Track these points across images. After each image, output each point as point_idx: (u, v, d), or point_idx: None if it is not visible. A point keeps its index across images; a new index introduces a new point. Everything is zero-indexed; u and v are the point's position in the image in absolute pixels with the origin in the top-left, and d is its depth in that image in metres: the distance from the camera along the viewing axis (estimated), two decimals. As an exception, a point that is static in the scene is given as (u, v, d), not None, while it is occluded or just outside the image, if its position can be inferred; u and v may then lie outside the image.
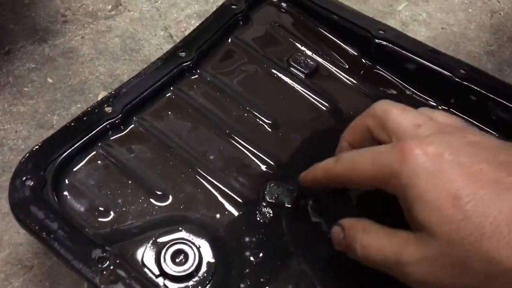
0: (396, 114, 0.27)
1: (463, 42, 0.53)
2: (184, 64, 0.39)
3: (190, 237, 0.31)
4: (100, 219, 0.32)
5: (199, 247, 0.31)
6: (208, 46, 0.41)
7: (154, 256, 0.30)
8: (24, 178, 0.31)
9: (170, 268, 0.30)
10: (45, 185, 0.31)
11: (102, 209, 0.32)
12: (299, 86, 0.40)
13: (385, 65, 0.42)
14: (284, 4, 0.45)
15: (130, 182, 0.34)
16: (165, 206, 0.33)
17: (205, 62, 0.40)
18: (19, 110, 0.44)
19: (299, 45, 0.43)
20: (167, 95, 0.38)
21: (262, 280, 0.30)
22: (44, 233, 0.29)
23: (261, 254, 0.31)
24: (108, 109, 0.35)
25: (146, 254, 0.30)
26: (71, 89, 0.46)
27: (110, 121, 0.35)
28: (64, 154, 0.33)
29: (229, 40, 0.42)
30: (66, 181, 0.33)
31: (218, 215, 0.33)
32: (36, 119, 0.44)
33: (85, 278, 0.28)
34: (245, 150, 0.36)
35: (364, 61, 0.42)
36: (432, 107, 0.40)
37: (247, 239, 0.32)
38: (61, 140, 0.33)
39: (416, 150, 0.24)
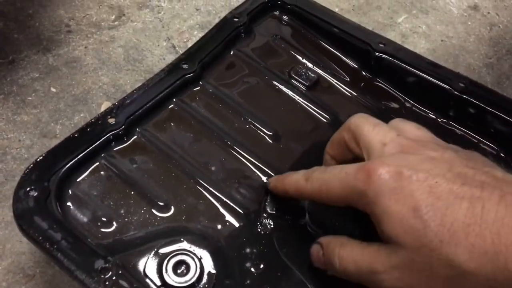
0: (368, 131, 0.30)
1: (462, 54, 0.54)
2: (187, 76, 0.39)
3: (192, 248, 0.31)
4: (102, 230, 0.32)
5: (201, 258, 0.31)
6: (211, 58, 0.41)
7: (156, 267, 0.30)
8: (28, 189, 0.31)
9: (171, 279, 0.30)
10: (49, 196, 0.31)
11: (104, 219, 0.32)
12: (300, 98, 0.41)
13: (385, 78, 0.42)
14: (285, 17, 0.46)
15: (132, 192, 0.34)
16: (167, 217, 0.33)
17: (207, 74, 0.41)
18: (23, 119, 0.45)
19: (300, 58, 0.44)
20: (169, 107, 0.39)
21: (262, 291, 0.31)
22: (47, 244, 0.29)
23: (261, 265, 0.32)
24: (112, 121, 0.36)
25: (148, 265, 0.30)
26: (74, 98, 0.47)
27: (113, 132, 0.35)
28: (68, 165, 0.33)
29: (231, 53, 0.43)
30: (70, 192, 0.33)
31: (219, 226, 0.33)
32: (40, 128, 0.44)
33: (88, 289, 0.28)
34: (246, 162, 0.37)
35: (364, 73, 0.43)
36: (431, 119, 0.40)
37: (248, 250, 0.32)
38: (65, 151, 0.34)
39: (379, 170, 0.26)
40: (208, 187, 0.35)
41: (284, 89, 0.41)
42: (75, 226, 0.32)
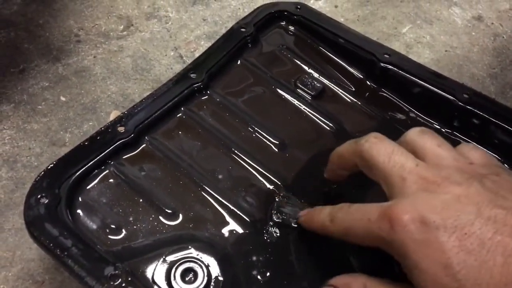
0: (384, 163, 0.28)
1: (466, 64, 0.54)
2: (195, 85, 0.40)
3: (199, 255, 0.32)
4: (111, 237, 0.33)
5: (208, 265, 0.31)
6: (218, 68, 0.42)
7: (164, 274, 0.31)
8: (39, 196, 0.32)
9: (179, 286, 0.30)
10: (60, 203, 0.32)
11: (113, 226, 0.33)
12: (306, 107, 0.41)
13: (390, 88, 0.43)
14: (291, 28, 0.47)
15: (141, 200, 0.34)
16: (175, 225, 0.34)
17: (215, 83, 0.42)
18: (33, 127, 0.46)
19: (306, 68, 0.44)
20: (178, 115, 0.39)
21: (269, 298, 0.31)
22: (58, 250, 0.30)
23: (268, 273, 0.32)
24: (121, 129, 0.36)
25: (156, 272, 0.31)
26: (83, 107, 0.47)
27: (122, 140, 0.36)
28: (78, 172, 0.34)
29: (238, 62, 0.43)
30: (80, 199, 0.34)
31: (226, 234, 0.34)
32: (49, 136, 0.45)
33: (98, 295, 0.29)
34: (252, 170, 0.37)
35: (369, 83, 0.43)
36: (436, 130, 0.41)
37: (254, 258, 0.33)
38: (75, 159, 0.34)
39: (402, 218, 0.25)
40: (215, 195, 0.35)
41: (290, 98, 0.42)
42: (84, 233, 0.32)
